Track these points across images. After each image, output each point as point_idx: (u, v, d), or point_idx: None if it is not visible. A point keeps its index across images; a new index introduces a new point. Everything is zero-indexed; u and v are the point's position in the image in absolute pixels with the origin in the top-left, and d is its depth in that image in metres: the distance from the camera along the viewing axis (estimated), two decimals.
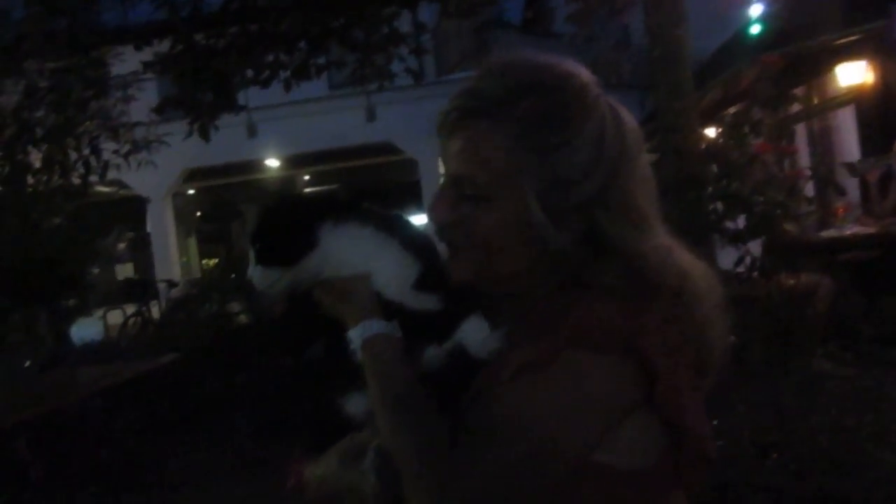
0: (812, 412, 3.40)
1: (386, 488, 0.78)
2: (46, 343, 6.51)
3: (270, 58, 6.15)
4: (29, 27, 5.97)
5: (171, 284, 10.20)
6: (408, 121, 11.31)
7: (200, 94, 6.18)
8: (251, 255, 0.84)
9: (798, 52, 6.06)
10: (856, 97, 6.71)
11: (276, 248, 0.83)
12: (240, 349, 5.54)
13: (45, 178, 6.62)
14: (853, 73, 6.51)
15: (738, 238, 3.63)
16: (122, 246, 14.61)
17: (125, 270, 14.33)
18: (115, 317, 10.14)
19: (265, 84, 6.22)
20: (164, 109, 6.31)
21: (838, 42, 6.26)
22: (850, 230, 5.51)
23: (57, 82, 6.45)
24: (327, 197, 0.88)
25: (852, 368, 4.10)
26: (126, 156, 6.92)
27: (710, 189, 3.76)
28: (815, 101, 7.47)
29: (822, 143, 7.59)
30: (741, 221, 3.69)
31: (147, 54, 6.22)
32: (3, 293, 6.09)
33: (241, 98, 7.20)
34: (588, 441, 0.75)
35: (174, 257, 13.69)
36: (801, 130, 7.44)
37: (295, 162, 13.64)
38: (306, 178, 14.64)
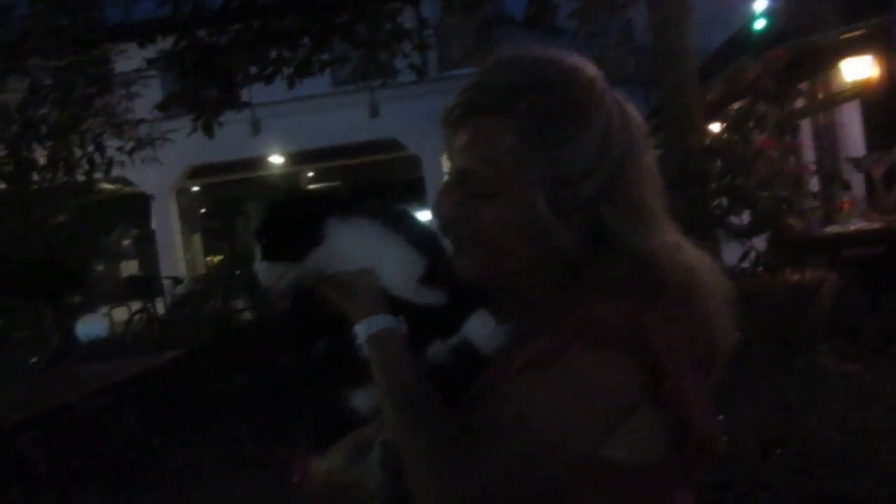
0: (816, 409, 3.39)
1: (392, 483, 0.79)
2: (52, 340, 6.54)
3: (274, 54, 6.15)
4: (33, 24, 5.98)
5: (176, 281, 10.21)
6: (411, 117, 11.29)
7: (204, 90, 6.18)
8: (257, 250, 0.84)
9: (802, 47, 6.04)
10: (861, 92, 6.68)
11: (282, 244, 0.84)
12: (244, 345, 5.56)
13: (49, 175, 6.64)
14: (858, 68, 6.47)
15: (742, 233, 3.63)
16: (126, 243, 14.65)
17: (130, 267, 14.35)
18: (121, 314, 10.15)
19: (269, 80, 6.22)
20: (167, 106, 6.31)
21: (843, 37, 6.23)
22: (855, 226, 5.50)
23: (61, 79, 6.46)
24: (333, 192, 0.88)
25: (857, 365, 4.09)
26: (130, 153, 6.94)
27: (714, 185, 3.76)
28: (820, 96, 7.44)
29: (827, 139, 7.56)
30: (745, 217, 3.69)
31: (151, 51, 6.23)
32: (8, 290, 6.12)
33: (245, 95, 7.20)
34: (593, 437, 0.75)
35: (179, 254, 13.71)
36: (805, 126, 7.41)
37: (298, 159, 13.64)
38: (310, 174, 14.64)
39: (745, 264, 3.63)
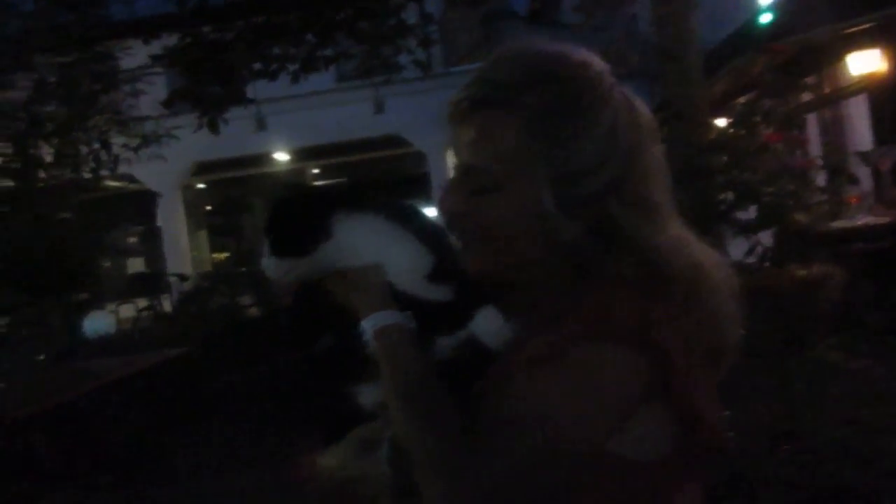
0: (823, 403, 3.39)
1: (399, 478, 0.79)
2: (59, 337, 6.57)
3: (278, 50, 6.16)
4: (37, 21, 6.00)
5: (183, 278, 10.25)
6: (416, 113, 11.29)
7: (209, 87, 6.19)
8: (265, 245, 0.84)
9: (809, 41, 6.01)
10: (868, 86, 6.65)
11: (289, 239, 0.83)
12: (250, 341, 5.57)
13: (55, 172, 6.67)
14: (865, 62, 6.44)
15: (748, 228, 3.61)
16: (132, 240, 14.70)
17: (136, 264, 14.40)
18: (127, 310, 10.21)
19: (273, 76, 6.23)
20: (172, 103, 6.33)
21: (849, 30, 6.20)
22: (862, 220, 5.48)
23: (66, 76, 6.48)
24: (340, 188, 0.88)
25: (864, 359, 4.08)
26: (136, 150, 6.96)
27: (719, 179, 3.74)
28: (827, 90, 7.41)
29: (834, 133, 7.53)
30: (751, 212, 3.68)
31: (155, 48, 6.24)
32: (15, 287, 6.14)
33: (250, 91, 7.20)
34: (601, 432, 0.75)
35: (185, 251, 13.75)
36: (812, 120, 7.38)
37: (303, 155, 13.65)
38: (315, 171, 14.65)
39: (752, 259, 3.61)
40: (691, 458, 0.80)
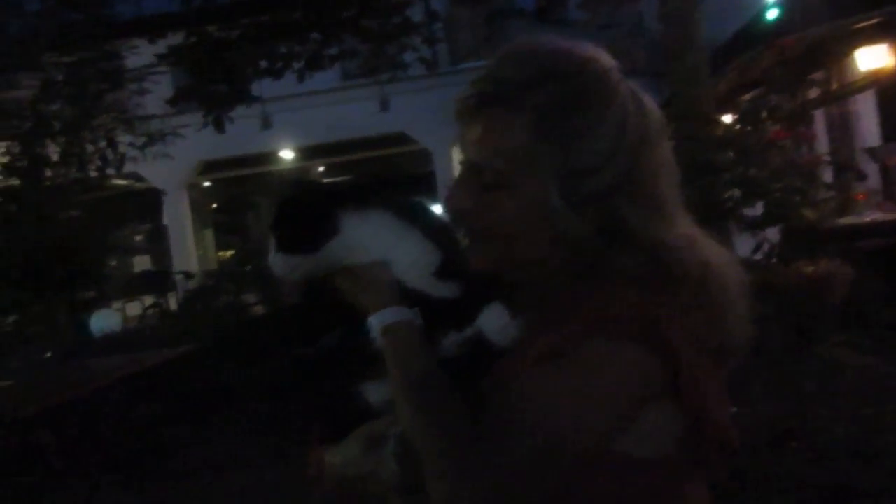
0: (831, 400, 3.37)
1: (407, 475, 0.78)
2: (66, 334, 6.59)
3: (283, 49, 6.16)
4: (44, 21, 6.02)
5: (188, 276, 10.28)
6: (421, 111, 11.28)
7: (214, 85, 6.21)
8: (272, 242, 0.84)
9: (816, 36, 5.98)
10: (876, 81, 6.61)
11: (297, 235, 0.83)
12: (256, 339, 5.58)
13: (62, 171, 6.69)
14: (873, 58, 6.41)
15: (755, 225, 3.60)
16: (138, 238, 14.75)
17: (142, 262, 14.45)
18: (133, 308, 10.24)
19: (278, 75, 6.24)
20: (178, 101, 6.35)
21: (858, 26, 6.17)
22: (870, 216, 5.45)
23: (73, 75, 6.50)
24: (348, 184, 0.88)
25: (871, 356, 4.06)
26: (142, 148, 6.97)
27: (726, 176, 3.73)
28: (834, 86, 7.37)
29: (842, 129, 7.49)
30: (758, 208, 3.66)
31: (161, 47, 6.25)
32: (22, 285, 6.17)
33: (255, 89, 7.21)
34: (608, 430, 0.75)
35: (191, 249, 13.79)
36: (819, 116, 7.34)
37: (309, 153, 13.67)
38: (320, 169, 14.66)
39: (759, 256, 3.60)
40: (698, 456, 0.80)
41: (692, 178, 3.55)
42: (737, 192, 3.63)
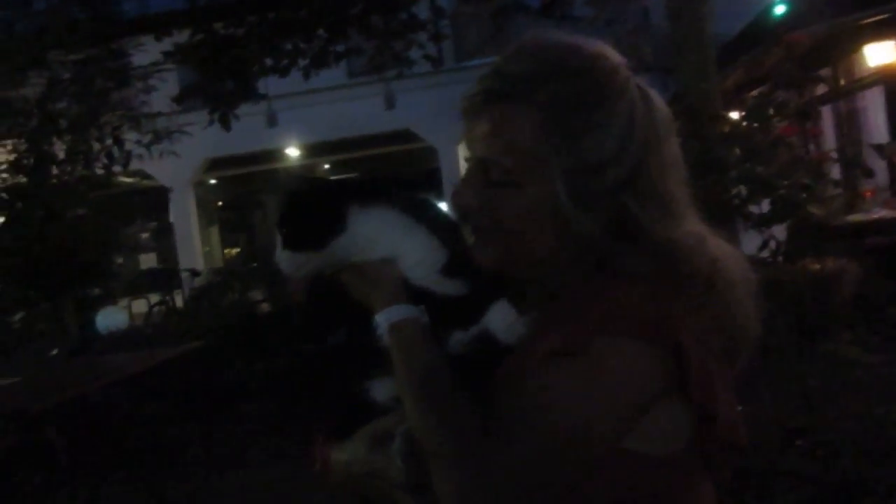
0: (838, 398, 3.36)
1: (413, 473, 0.78)
2: (72, 332, 6.62)
3: (289, 46, 6.16)
4: (51, 19, 6.03)
5: (195, 273, 10.31)
6: (427, 108, 11.28)
7: (220, 83, 6.22)
8: (279, 239, 0.84)
9: (824, 32, 5.94)
10: (884, 78, 6.57)
11: (304, 233, 0.83)
12: (263, 336, 5.60)
13: (68, 168, 6.71)
14: (881, 54, 6.37)
15: (762, 222, 3.58)
16: (145, 236, 14.79)
17: (149, 260, 14.50)
18: (140, 305, 10.28)
19: (284, 72, 6.24)
20: (184, 99, 6.36)
21: (865, 21, 6.13)
22: (878, 213, 5.43)
23: (79, 73, 6.51)
24: (355, 181, 0.88)
25: (879, 354, 4.04)
26: (148, 146, 6.99)
27: (733, 172, 3.71)
28: (842, 82, 7.33)
29: (849, 125, 7.46)
30: (765, 205, 3.64)
31: (167, 45, 6.26)
32: (28, 283, 6.20)
33: (261, 87, 7.22)
34: (617, 428, 0.75)
35: (197, 246, 13.82)
36: (827, 112, 7.31)
37: (315, 150, 13.68)
38: (326, 166, 14.68)
39: (765, 253, 3.58)
40: (707, 453, 0.79)
41: (699, 175, 3.53)
42: (743, 190, 3.61)
